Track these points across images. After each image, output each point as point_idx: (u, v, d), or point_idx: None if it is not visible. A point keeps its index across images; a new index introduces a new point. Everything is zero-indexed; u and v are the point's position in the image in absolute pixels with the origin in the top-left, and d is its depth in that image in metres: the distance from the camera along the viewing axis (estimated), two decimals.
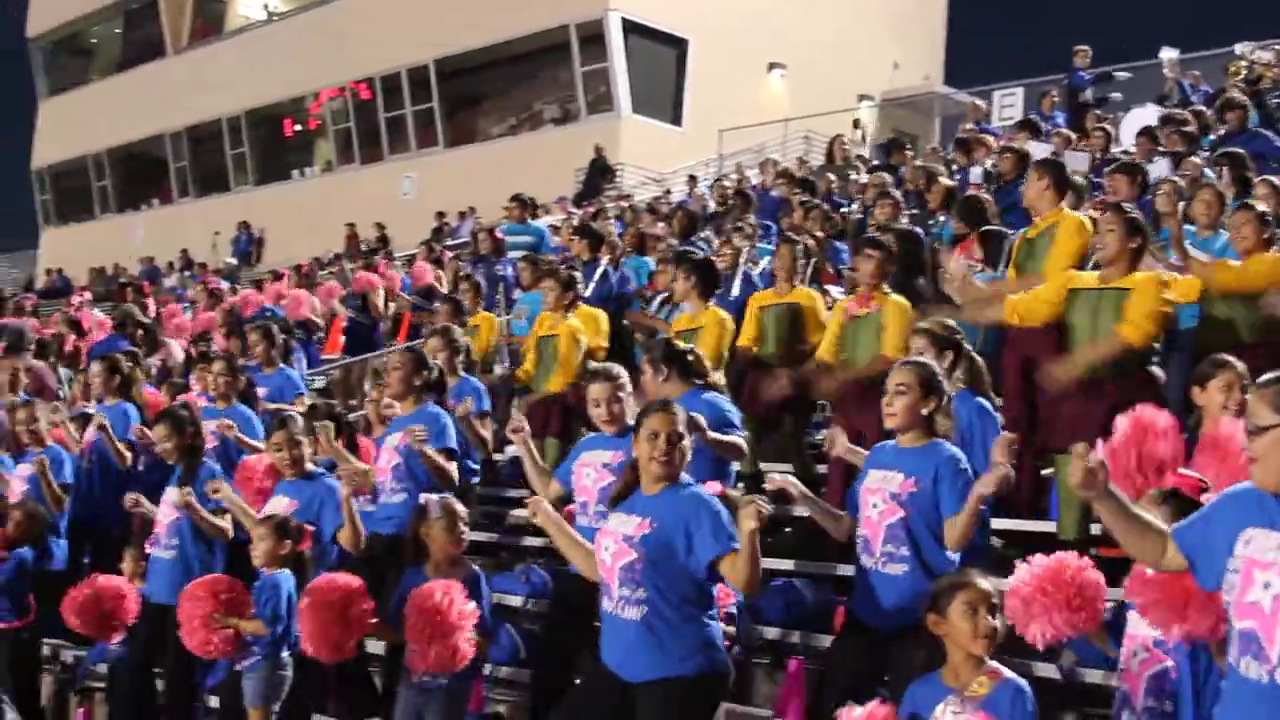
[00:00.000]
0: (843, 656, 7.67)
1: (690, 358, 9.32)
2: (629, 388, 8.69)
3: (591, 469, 8.51)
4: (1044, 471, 9.98)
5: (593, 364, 9.76)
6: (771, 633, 9.56)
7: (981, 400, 8.89)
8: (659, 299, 14.34)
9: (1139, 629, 6.19)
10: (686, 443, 6.80)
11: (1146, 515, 5.42)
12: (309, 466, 9.54)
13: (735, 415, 9.15)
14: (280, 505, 9.21)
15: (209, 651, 8.75)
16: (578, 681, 7.14)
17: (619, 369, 8.82)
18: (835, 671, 7.70)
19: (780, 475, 7.73)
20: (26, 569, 11.07)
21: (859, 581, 7.46)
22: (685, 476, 6.86)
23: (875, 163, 24.16)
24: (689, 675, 6.56)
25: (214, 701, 9.96)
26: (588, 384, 8.84)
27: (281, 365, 13.24)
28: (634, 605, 6.58)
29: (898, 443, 7.47)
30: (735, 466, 9.53)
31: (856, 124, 33.60)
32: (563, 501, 8.77)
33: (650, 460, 6.78)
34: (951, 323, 9.27)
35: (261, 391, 12.75)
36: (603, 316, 13.26)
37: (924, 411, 7.31)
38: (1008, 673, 5.87)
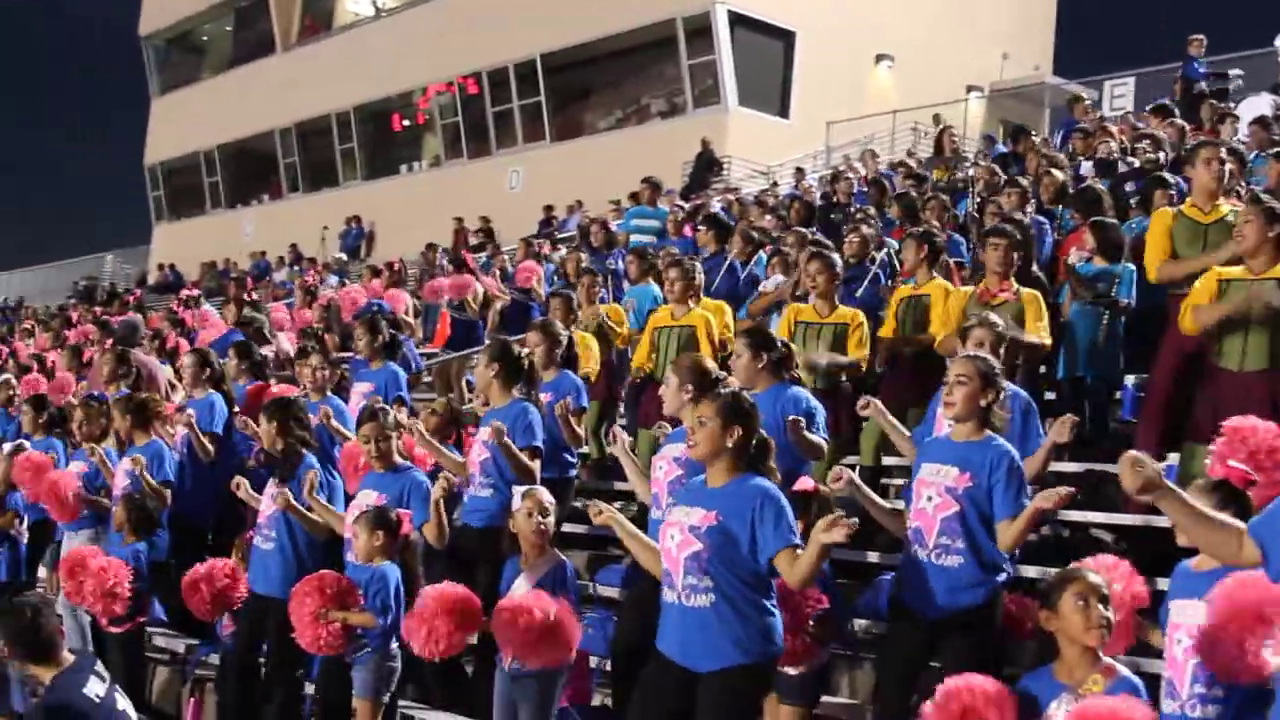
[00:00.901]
0: (897, 644, 7.76)
1: (786, 351, 9.30)
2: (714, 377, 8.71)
3: (665, 462, 8.57)
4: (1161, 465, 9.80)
5: (675, 361, 9.74)
6: (876, 627, 9.47)
7: (1018, 390, 8.93)
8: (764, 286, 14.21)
9: (1182, 617, 6.14)
10: (711, 427, 6.84)
11: (1218, 514, 5.38)
12: (396, 459, 9.67)
13: (820, 414, 9.12)
14: (369, 499, 9.32)
15: (321, 647, 8.82)
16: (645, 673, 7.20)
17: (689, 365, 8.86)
18: (890, 659, 7.76)
19: (845, 471, 7.80)
20: (141, 565, 11.13)
21: (909, 572, 7.55)
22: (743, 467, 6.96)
23: (996, 151, 23.99)
24: (749, 664, 6.69)
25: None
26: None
27: (387, 361, 13.20)
28: (701, 594, 6.70)
29: (951, 436, 7.62)
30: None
31: (938, 119, 33.49)
32: None
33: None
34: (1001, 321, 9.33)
35: (367, 386, 12.75)
36: (728, 308, 13.11)
37: (982, 403, 7.45)
38: (1122, 670, 5.79)
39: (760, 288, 14.13)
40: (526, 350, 10.59)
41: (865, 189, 21.23)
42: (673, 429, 8.93)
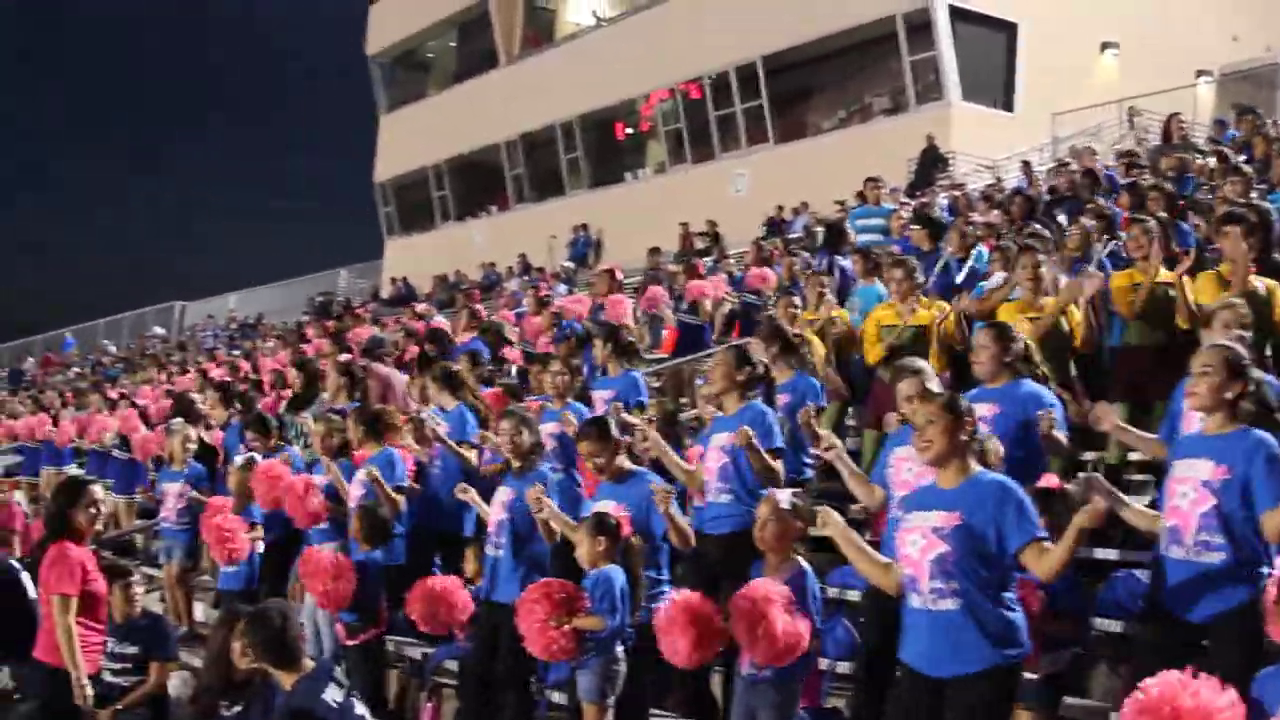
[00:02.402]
0: (1155, 649, 7.42)
1: (1027, 347, 9.22)
2: (935, 380, 8.64)
3: (911, 464, 8.39)
4: None
5: (900, 361, 9.66)
6: (1114, 626, 9.32)
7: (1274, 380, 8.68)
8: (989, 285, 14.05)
9: None
10: (948, 425, 6.88)
11: None
12: (628, 466, 9.72)
13: (1060, 410, 8.97)
14: (607, 509, 9.33)
15: (554, 653, 8.91)
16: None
17: (922, 363, 8.81)
18: (1149, 664, 7.56)
19: (1089, 475, 7.64)
20: (375, 573, 11.35)
21: (1168, 573, 7.27)
22: (975, 465, 6.96)
23: (1229, 136, 23.51)
24: (1000, 666, 6.64)
25: (556, 697, 10.13)
26: (895, 381, 8.82)
27: (626, 369, 13.26)
28: (948, 597, 6.64)
29: (1203, 430, 7.35)
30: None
31: (1133, 112, 32.96)
32: None
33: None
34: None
35: (607, 393, 12.84)
36: (945, 306, 13.00)
37: (1228, 395, 7.19)
38: None
39: (987, 285, 13.98)
40: (758, 355, 10.60)
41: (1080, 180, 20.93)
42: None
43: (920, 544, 6.74)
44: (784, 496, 8.47)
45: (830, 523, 7.20)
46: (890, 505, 8.57)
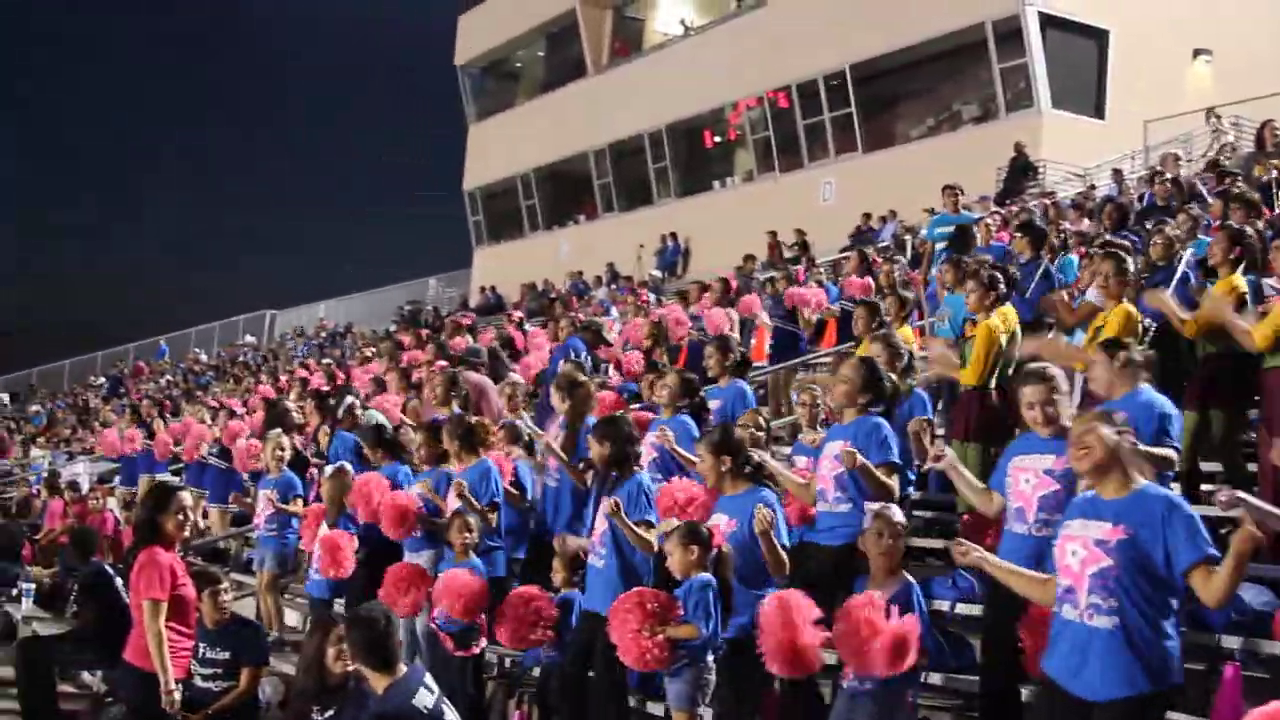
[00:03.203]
0: None
1: (1141, 358, 9.12)
2: (1064, 388, 8.54)
3: (1030, 474, 8.30)
4: None
5: (1029, 365, 9.57)
6: (1209, 638, 9.25)
7: None
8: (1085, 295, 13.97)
9: None
10: (1106, 433, 6.70)
11: None
12: (741, 479, 9.55)
13: (1175, 421, 8.87)
14: (720, 521, 9.31)
15: (647, 663, 8.86)
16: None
17: (1053, 369, 8.66)
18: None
19: (1229, 491, 7.50)
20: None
21: None
22: (1139, 478, 6.70)
23: None
24: (1149, 693, 6.40)
25: (649, 707, 10.14)
26: (1020, 386, 8.70)
27: (735, 379, 13.20)
28: (1105, 614, 6.44)
29: None
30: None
31: (1210, 114, 32.62)
32: None
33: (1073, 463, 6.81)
34: None
35: (714, 404, 12.79)
36: (1012, 312, 12.90)
37: None
38: None
39: (1087, 296, 13.88)
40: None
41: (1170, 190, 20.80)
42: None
43: (1082, 555, 6.56)
44: (897, 512, 8.46)
45: (971, 553, 7.14)
46: (1006, 515, 8.48)
